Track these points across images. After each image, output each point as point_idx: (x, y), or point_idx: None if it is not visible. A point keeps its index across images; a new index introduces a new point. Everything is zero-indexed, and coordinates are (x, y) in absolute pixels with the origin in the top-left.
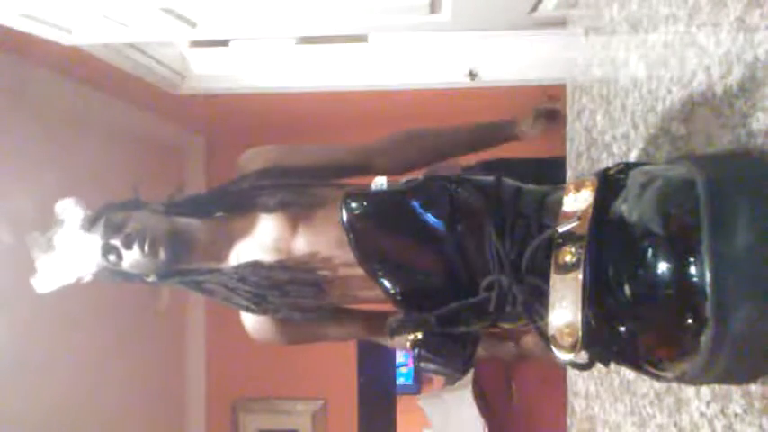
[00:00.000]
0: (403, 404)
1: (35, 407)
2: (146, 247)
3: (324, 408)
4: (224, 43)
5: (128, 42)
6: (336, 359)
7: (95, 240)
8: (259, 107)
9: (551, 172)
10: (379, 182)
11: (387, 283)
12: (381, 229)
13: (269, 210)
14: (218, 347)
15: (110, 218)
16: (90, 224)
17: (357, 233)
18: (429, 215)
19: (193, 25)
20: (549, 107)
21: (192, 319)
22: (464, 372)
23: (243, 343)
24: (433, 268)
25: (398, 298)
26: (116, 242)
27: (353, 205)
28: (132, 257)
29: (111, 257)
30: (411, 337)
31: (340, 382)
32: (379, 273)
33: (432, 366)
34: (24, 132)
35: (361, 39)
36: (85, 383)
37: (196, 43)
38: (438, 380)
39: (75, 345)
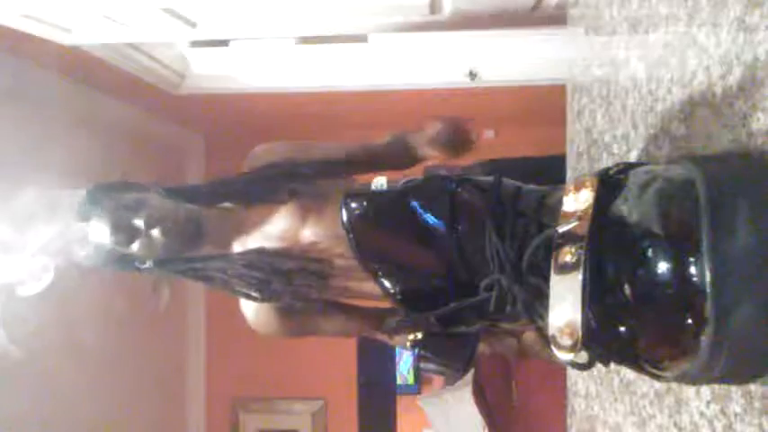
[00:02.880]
0: (403, 404)
1: (35, 406)
2: (167, 230)
3: (324, 408)
4: (224, 43)
5: (128, 42)
6: (336, 359)
7: (100, 220)
8: (259, 107)
9: (551, 171)
10: (379, 182)
11: (387, 283)
12: (381, 229)
13: (279, 201)
14: (218, 347)
15: (122, 198)
16: (93, 204)
17: (357, 233)
18: (429, 215)
19: (193, 25)
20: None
21: (192, 319)
22: (464, 371)
23: (243, 343)
24: (433, 268)
25: (398, 298)
26: (138, 222)
27: (354, 205)
28: (148, 239)
29: (121, 237)
30: (411, 336)
31: (340, 382)
32: (379, 272)
33: (432, 366)
34: (24, 132)
35: (361, 39)
36: (86, 383)
37: (196, 43)
38: (438, 380)
39: (75, 345)
